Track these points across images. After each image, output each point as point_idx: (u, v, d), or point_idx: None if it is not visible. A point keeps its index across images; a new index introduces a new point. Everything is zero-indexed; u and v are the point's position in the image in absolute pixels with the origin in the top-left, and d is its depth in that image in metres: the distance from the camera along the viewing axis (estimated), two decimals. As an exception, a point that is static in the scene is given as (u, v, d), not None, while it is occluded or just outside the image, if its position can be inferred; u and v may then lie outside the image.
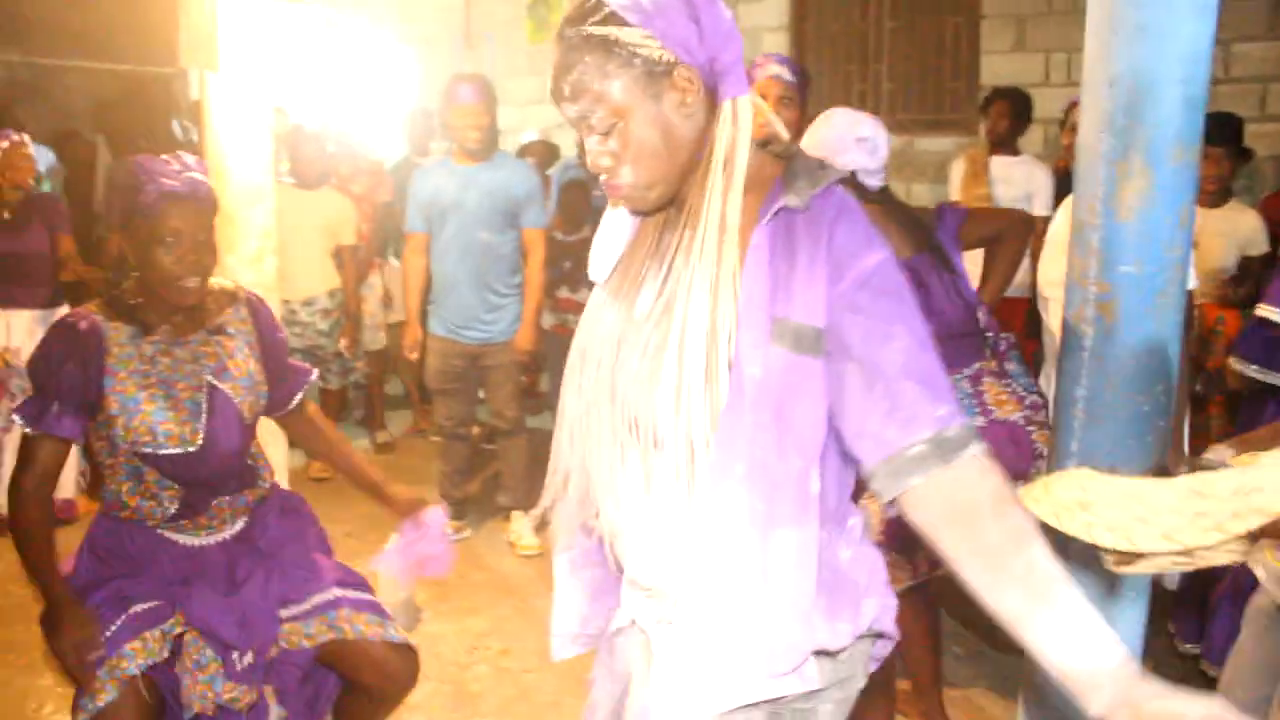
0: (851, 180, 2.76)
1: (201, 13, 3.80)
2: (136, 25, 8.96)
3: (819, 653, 1.43)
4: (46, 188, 6.02)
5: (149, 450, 2.14)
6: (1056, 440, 2.47)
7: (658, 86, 1.36)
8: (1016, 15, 6.41)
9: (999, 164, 5.15)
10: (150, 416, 2.13)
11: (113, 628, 2.14)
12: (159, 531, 2.24)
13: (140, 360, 2.17)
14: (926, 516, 1.29)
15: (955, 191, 5.27)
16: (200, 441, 2.17)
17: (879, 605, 1.50)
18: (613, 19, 1.34)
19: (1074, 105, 3.24)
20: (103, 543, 2.26)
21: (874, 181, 2.80)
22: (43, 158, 6.69)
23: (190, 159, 2.20)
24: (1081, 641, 1.18)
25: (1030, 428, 2.78)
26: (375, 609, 2.42)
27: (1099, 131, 2.27)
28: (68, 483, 4.57)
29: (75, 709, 2.12)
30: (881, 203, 2.80)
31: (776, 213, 1.37)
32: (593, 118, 1.38)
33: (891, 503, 1.33)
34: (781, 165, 1.42)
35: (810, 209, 1.36)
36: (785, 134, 1.51)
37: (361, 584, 2.47)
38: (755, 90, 3.44)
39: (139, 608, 2.16)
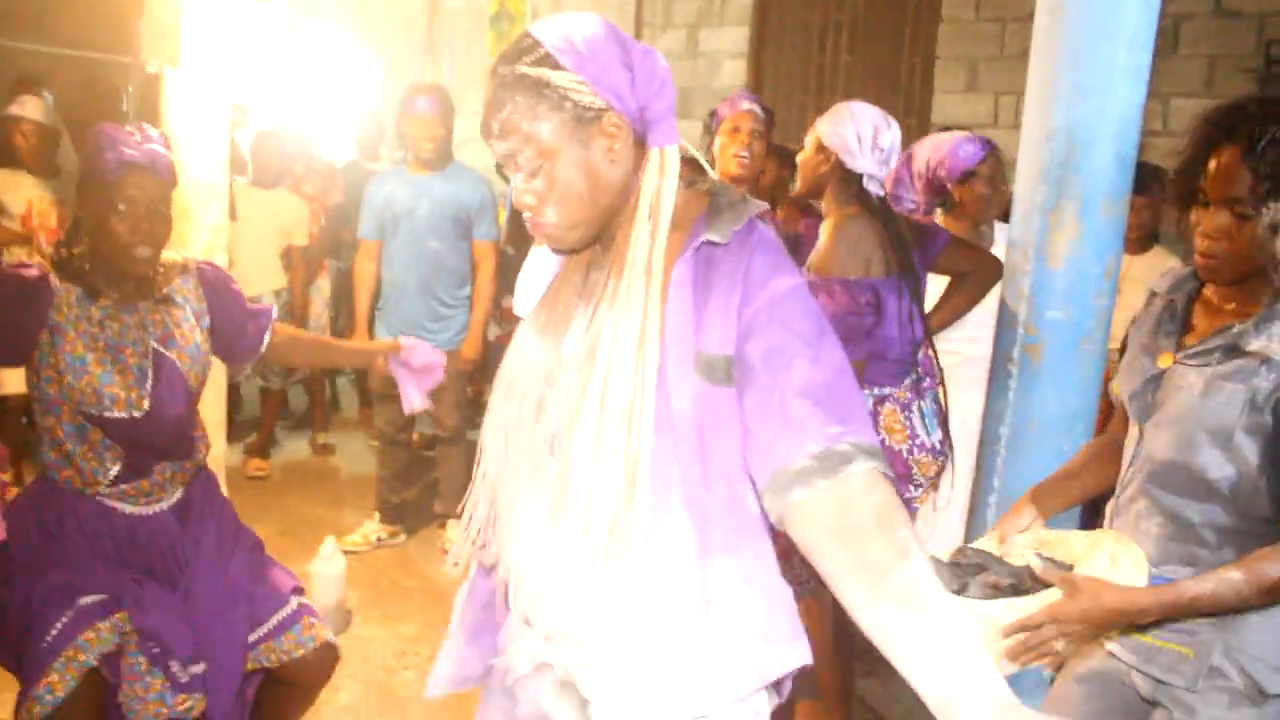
0: (856, 181, 2.81)
1: (165, 7, 3.80)
2: (92, 12, 8.91)
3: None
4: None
5: (94, 412, 2.15)
6: (979, 477, 2.56)
7: (586, 131, 1.37)
8: (969, 57, 6.57)
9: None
10: (97, 379, 2.14)
11: (63, 620, 2.14)
12: (100, 499, 2.24)
13: (89, 323, 2.18)
14: (808, 532, 1.24)
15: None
16: (146, 407, 2.18)
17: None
18: (547, 60, 1.36)
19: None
20: (46, 511, 2.25)
21: (876, 189, 2.81)
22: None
23: (155, 132, 2.22)
24: (955, 666, 1.11)
25: (911, 455, 2.82)
26: (315, 611, 2.46)
27: (1035, 182, 2.37)
28: None
29: (28, 701, 2.09)
30: (875, 213, 2.80)
31: (698, 248, 1.38)
32: (519, 157, 1.39)
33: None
34: (705, 201, 1.44)
35: (730, 243, 1.37)
36: (713, 173, 1.54)
37: (300, 586, 2.50)
38: (730, 123, 3.57)
39: (87, 600, 2.16)
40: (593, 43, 1.36)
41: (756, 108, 3.60)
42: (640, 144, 1.41)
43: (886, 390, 2.84)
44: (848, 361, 1.33)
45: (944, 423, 2.90)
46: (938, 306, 3.13)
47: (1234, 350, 1.67)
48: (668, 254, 1.38)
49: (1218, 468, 1.67)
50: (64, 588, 2.15)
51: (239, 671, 2.33)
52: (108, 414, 2.16)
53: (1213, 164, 1.66)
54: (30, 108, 4.90)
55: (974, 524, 2.55)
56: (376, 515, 4.65)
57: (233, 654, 2.31)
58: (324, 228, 5.78)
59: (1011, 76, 6.35)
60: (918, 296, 2.83)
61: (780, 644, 1.43)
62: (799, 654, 1.43)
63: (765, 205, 1.44)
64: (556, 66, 1.35)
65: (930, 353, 2.94)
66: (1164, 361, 1.77)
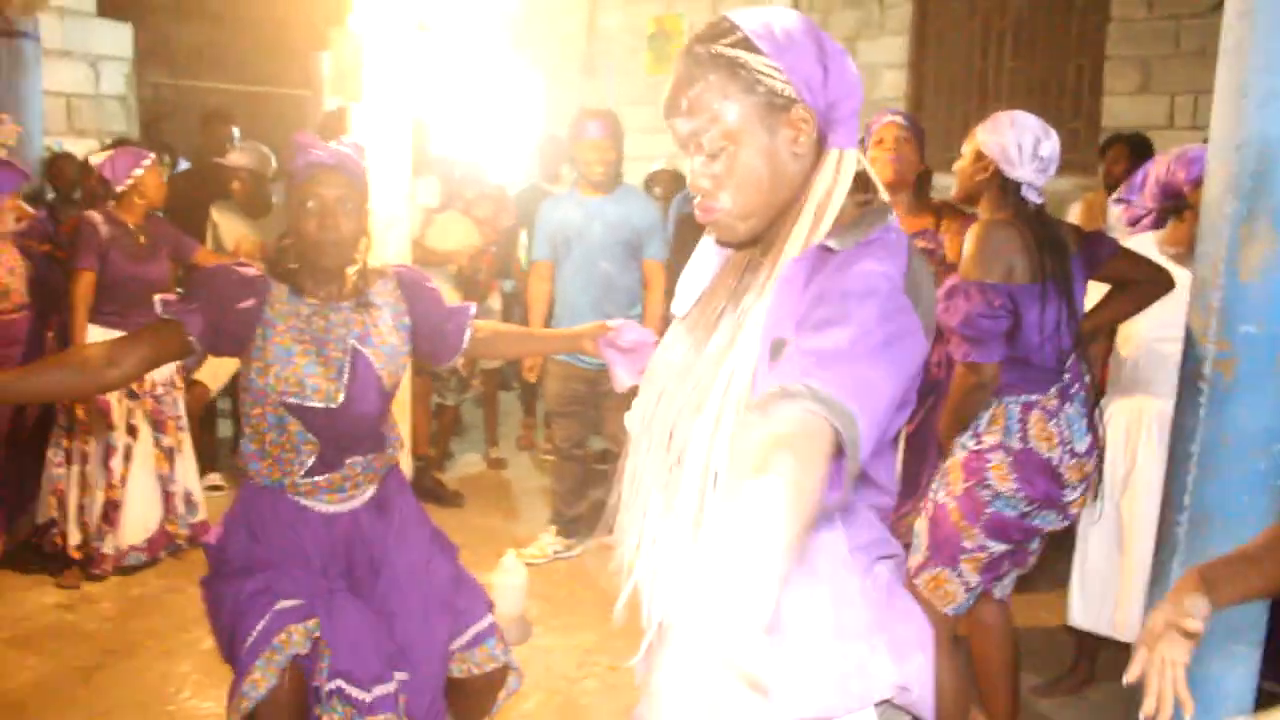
0: (1014, 190, 2.83)
1: (347, 48, 4.04)
2: (271, 50, 9.45)
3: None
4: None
5: (295, 401, 2.32)
6: (1167, 495, 2.50)
7: (774, 120, 1.37)
8: (1141, 57, 6.37)
9: (1117, 210, 5.13)
10: (300, 370, 2.31)
11: (262, 623, 2.31)
12: (297, 499, 2.41)
13: (297, 319, 2.35)
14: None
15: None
16: (341, 399, 2.33)
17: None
18: (744, 43, 1.36)
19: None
20: (253, 514, 2.43)
21: (1034, 197, 2.83)
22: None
23: (348, 139, 2.38)
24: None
25: (1062, 462, 2.82)
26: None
27: (1225, 193, 2.32)
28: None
29: (236, 697, 2.29)
30: (1028, 221, 2.81)
31: (815, 250, 1.36)
32: (704, 136, 1.39)
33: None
34: (857, 214, 1.40)
35: (847, 250, 1.34)
36: (884, 193, 1.49)
37: (491, 601, 2.63)
38: (875, 135, 3.61)
39: (283, 605, 2.33)
40: (791, 33, 1.38)
41: (900, 119, 3.73)
42: (821, 142, 1.41)
43: (1033, 397, 2.85)
44: (887, 342, 1.22)
45: (1093, 428, 2.89)
46: (1100, 307, 3.10)
47: None
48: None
49: None
50: (264, 592, 2.32)
51: (440, 680, 2.46)
52: (307, 403, 2.32)
53: None
54: (243, 157, 5.35)
55: (1162, 543, 2.49)
56: (553, 528, 4.80)
57: (434, 663, 2.44)
58: (495, 250, 5.99)
59: (1189, 73, 6.14)
60: (1070, 305, 2.81)
61: (858, 641, 1.35)
62: (883, 662, 1.35)
63: (891, 221, 1.39)
64: (754, 50, 1.36)
65: (1080, 359, 2.92)
66: None
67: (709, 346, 1.42)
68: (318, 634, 2.35)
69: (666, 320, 4.74)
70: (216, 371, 5.16)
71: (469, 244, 5.58)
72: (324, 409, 2.33)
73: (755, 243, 1.47)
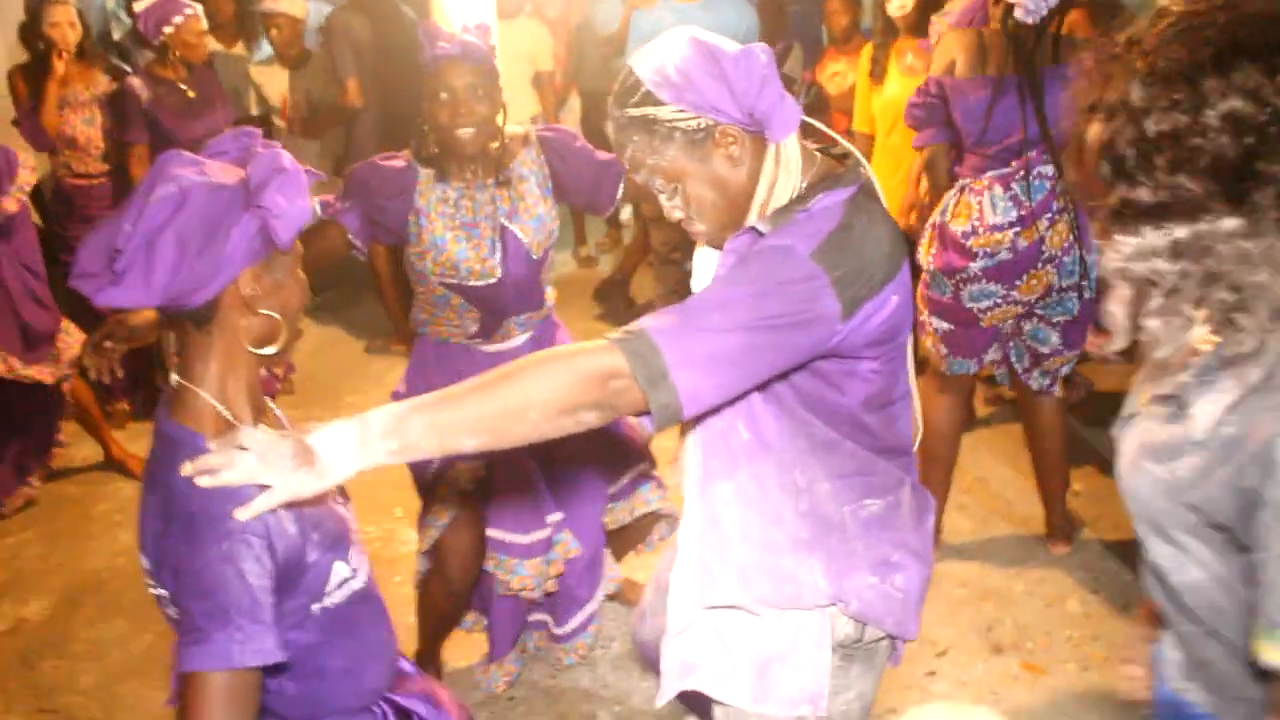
0: (1006, 9, 2.85)
1: None
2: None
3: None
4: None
5: (454, 282, 2.46)
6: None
7: (703, 150, 1.50)
8: None
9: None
10: (454, 254, 2.43)
11: (437, 460, 2.52)
12: (464, 344, 2.58)
13: (445, 204, 2.45)
14: None
15: None
16: (498, 275, 2.46)
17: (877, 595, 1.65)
18: (648, 99, 1.48)
19: None
20: (428, 364, 2.62)
21: (1022, 16, 2.84)
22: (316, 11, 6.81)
23: (474, 25, 2.39)
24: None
25: (973, 232, 3.03)
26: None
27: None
28: None
29: (424, 527, 2.58)
30: (1007, 32, 2.89)
31: (744, 232, 1.51)
32: (654, 183, 1.55)
33: None
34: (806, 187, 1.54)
35: (771, 230, 1.48)
36: (844, 142, 1.62)
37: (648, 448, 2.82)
38: None
39: None
40: (683, 68, 1.46)
41: None
42: (759, 139, 1.52)
43: (966, 181, 3.08)
44: (750, 302, 1.39)
45: (1023, 207, 3.00)
46: None
47: None
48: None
49: None
50: None
51: (597, 521, 2.67)
52: (465, 283, 2.45)
53: None
54: (280, 3, 5.03)
55: None
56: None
57: (591, 504, 2.66)
58: (568, 49, 5.90)
59: None
60: (1035, 104, 2.89)
61: (786, 555, 1.61)
62: (813, 577, 1.61)
63: (839, 189, 1.51)
64: (658, 102, 1.48)
65: (1048, 155, 2.99)
66: None
67: None
68: (482, 473, 2.55)
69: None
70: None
71: (542, 47, 5.50)
72: (481, 285, 2.44)
73: None
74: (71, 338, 4.04)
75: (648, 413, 1.37)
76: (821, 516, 1.60)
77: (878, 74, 4.24)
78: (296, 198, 1.33)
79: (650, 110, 1.49)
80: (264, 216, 1.30)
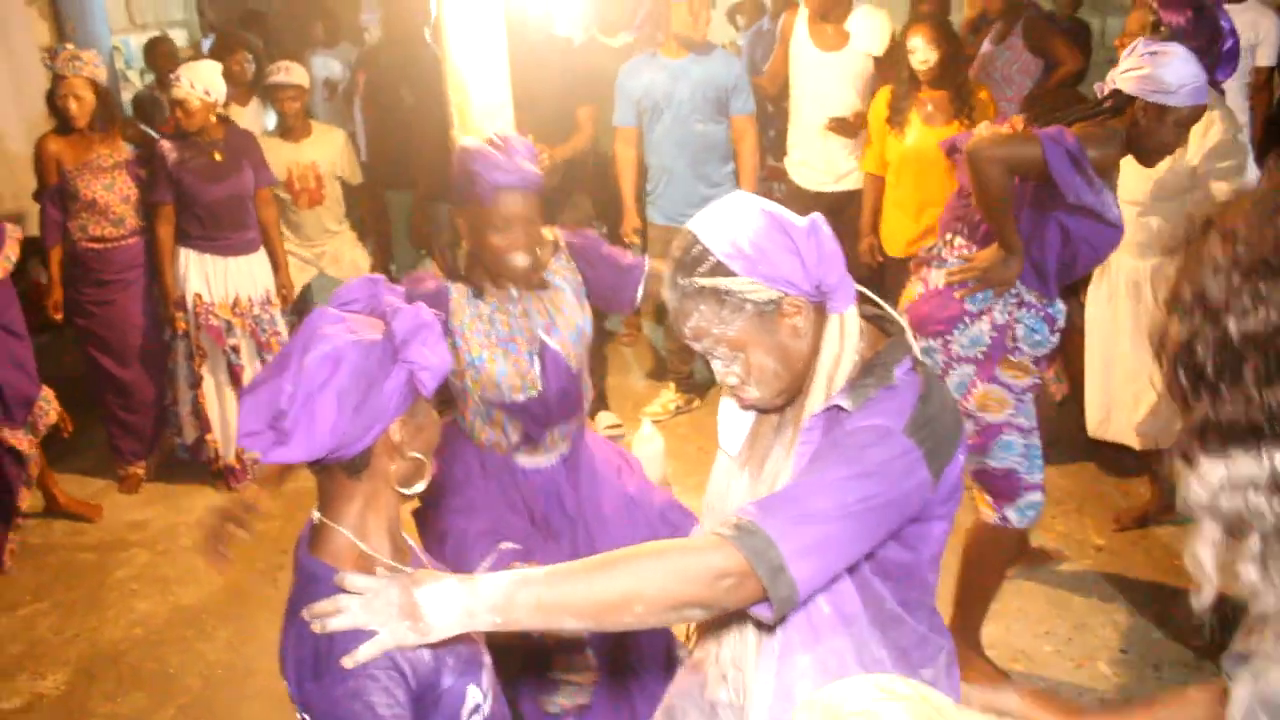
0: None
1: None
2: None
3: None
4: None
5: (495, 399, 2.44)
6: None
7: (770, 321, 1.50)
8: None
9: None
10: (493, 372, 2.41)
11: (488, 561, 2.49)
12: (508, 458, 2.55)
13: (479, 320, 2.43)
14: None
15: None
16: (539, 388, 2.44)
17: None
18: (719, 269, 1.47)
19: None
20: (473, 470, 2.57)
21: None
22: (324, 67, 6.76)
23: (519, 143, 2.36)
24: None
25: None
26: None
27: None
28: None
29: None
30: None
31: (829, 409, 1.51)
32: (716, 351, 1.54)
33: None
34: (870, 355, 1.54)
35: (856, 408, 1.47)
36: (895, 315, 1.62)
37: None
38: None
39: (505, 546, 2.50)
40: (758, 242, 1.47)
41: None
42: (821, 310, 1.53)
43: None
44: (855, 486, 1.39)
45: None
46: None
47: None
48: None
49: None
50: (488, 534, 2.46)
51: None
52: (506, 399, 2.43)
53: None
54: (288, 75, 4.99)
55: None
56: (671, 384, 4.95)
57: None
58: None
59: None
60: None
61: None
62: None
63: (903, 364, 1.51)
64: (729, 273, 1.47)
65: None
66: None
67: (763, 477, 1.61)
68: None
69: (758, 176, 4.75)
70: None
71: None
72: (522, 400, 2.43)
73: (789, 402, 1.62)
74: (49, 405, 4.09)
75: (756, 604, 1.39)
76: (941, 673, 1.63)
77: (898, 121, 4.27)
78: (438, 349, 1.40)
79: (722, 282, 1.48)
80: (411, 369, 1.38)
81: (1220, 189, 3.33)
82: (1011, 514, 2.99)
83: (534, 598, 1.32)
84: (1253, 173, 3.39)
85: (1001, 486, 2.97)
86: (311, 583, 1.41)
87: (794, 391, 1.58)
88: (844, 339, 1.53)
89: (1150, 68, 2.70)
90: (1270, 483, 0.86)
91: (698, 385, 5.05)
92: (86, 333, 4.55)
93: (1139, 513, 3.89)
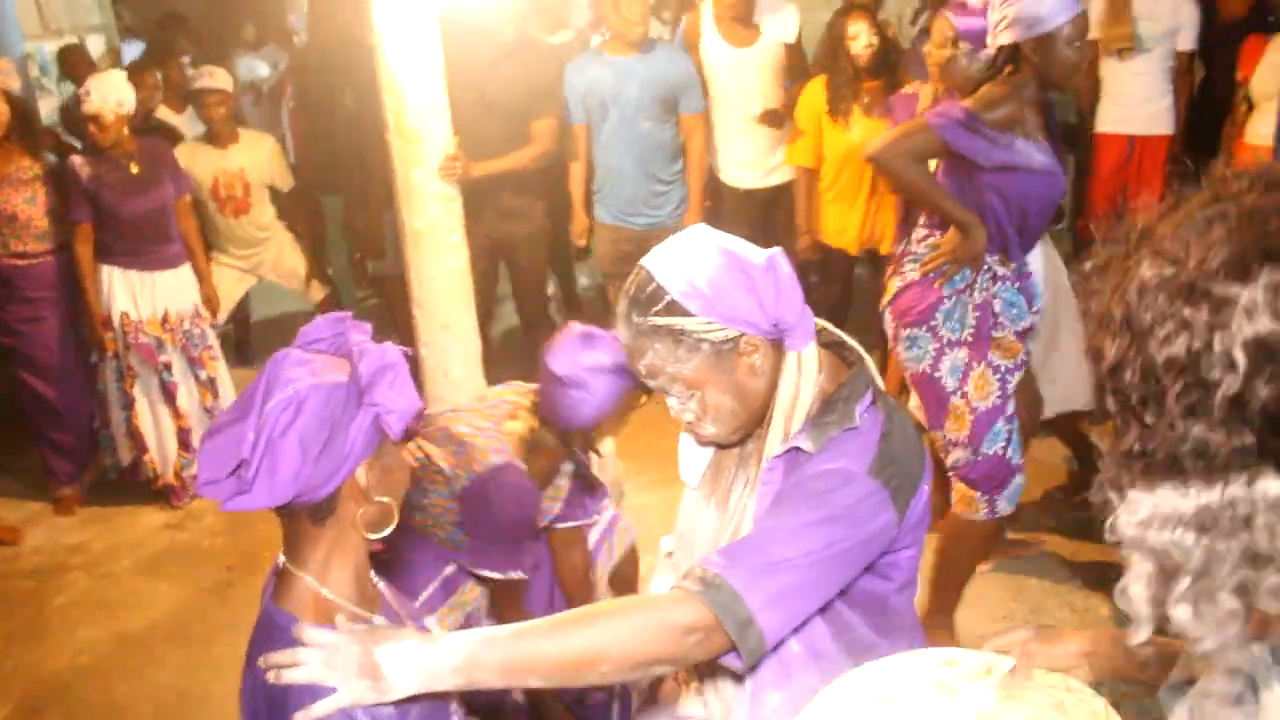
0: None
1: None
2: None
3: None
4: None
5: None
6: None
7: (727, 360, 1.47)
8: None
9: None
10: None
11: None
12: None
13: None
14: None
15: (1093, 29, 5.15)
16: None
17: None
18: (675, 309, 1.44)
19: None
20: None
21: None
22: (250, 70, 6.61)
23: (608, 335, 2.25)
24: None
25: None
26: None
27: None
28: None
29: None
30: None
31: (788, 452, 1.50)
32: (671, 390, 1.51)
33: None
34: (831, 388, 1.53)
35: (818, 450, 1.47)
36: (855, 346, 1.61)
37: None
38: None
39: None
40: (715, 280, 1.44)
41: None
42: (778, 347, 1.51)
43: None
44: (819, 532, 1.39)
45: None
46: None
47: None
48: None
49: None
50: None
51: None
52: None
53: None
54: (213, 79, 4.87)
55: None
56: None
57: None
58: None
59: None
60: None
61: None
62: None
63: (864, 402, 1.49)
64: (685, 313, 1.44)
65: None
66: None
67: (729, 510, 1.60)
68: None
69: (707, 177, 4.73)
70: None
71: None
72: None
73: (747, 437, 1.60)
74: None
75: (725, 654, 1.38)
76: None
77: (842, 111, 4.26)
78: (405, 391, 1.37)
79: (677, 321, 1.45)
80: (377, 412, 1.34)
81: None
82: (1001, 503, 3.03)
83: (499, 658, 1.29)
84: None
85: (993, 475, 3.00)
86: (272, 630, 1.37)
87: (752, 427, 1.56)
88: (801, 377, 1.51)
89: (1012, 11, 2.74)
90: (1195, 521, 0.79)
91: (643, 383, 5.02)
92: (13, 352, 4.38)
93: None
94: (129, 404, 4.42)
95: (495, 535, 2.30)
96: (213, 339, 4.61)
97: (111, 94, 4.14)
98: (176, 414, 4.46)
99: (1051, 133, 2.87)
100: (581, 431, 2.28)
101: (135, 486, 4.57)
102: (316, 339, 1.39)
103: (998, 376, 2.92)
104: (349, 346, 1.38)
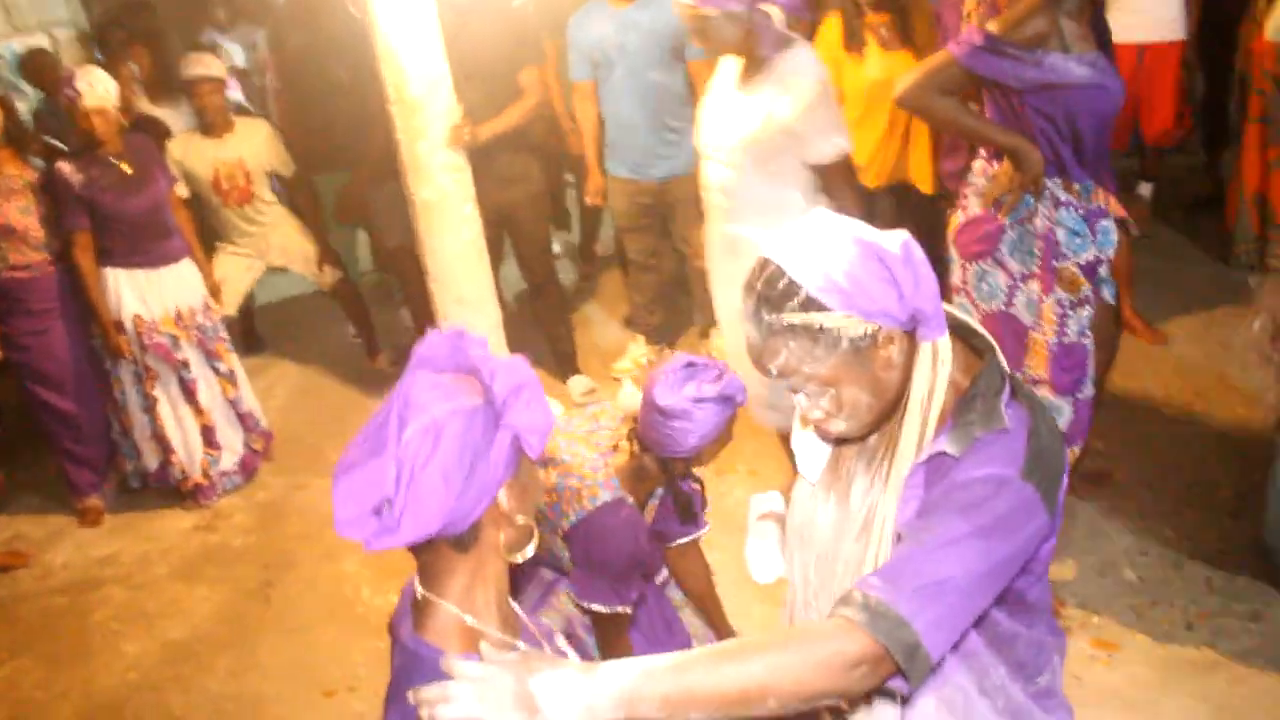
0: None
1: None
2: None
3: None
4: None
5: None
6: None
7: (865, 355, 1.39)
8: None
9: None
10: None
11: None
12: None
13: None
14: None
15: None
16: None
17: None
18: (812, 304, 1.36)
19: None
20: None
21: None
22: (231, 54, 6.37)
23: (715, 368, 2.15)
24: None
25: None
26: None
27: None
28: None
29: None
30: None
31: (932, 457, 1.42)
32: (804, 389, 1.44)
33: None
34: (964, 389, 1.45)
35: (964, 453, 1.39)
36: (988, 336, 1.51)
37: None
38: None
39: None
40: (853, 273, 1.35)
41: None
42: (912, 336, 1.43)
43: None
44: (977, 543, 1.33)
45: None
46: None
47: None
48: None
49: None
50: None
51: None
52: None
53: None
54: (200, 67, 4.61)
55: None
56: (640, 338, 4.83)
57: None
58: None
59: None
60: None
61: None
62: None
63: (1004, 397, 1.42)
64: (823, 308, 1.36)
65: None
66: None
67: (851, 506, 1.54)
68: None
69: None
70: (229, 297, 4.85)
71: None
72: None
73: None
74: None
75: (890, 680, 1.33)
76: (1015, 709, 1.57)
77: (856, 44, 4.10)
78: (542, 408, 1.31)
79: (815, 318, 1.37)
80: (515, 432, 1.28)
81: None
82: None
83: (660, 692, 1.22)
84: None
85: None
86: (418, 664, 1.30)
87: (882, 422, 1.49)
88: (937, 367, 1.43)
89: None
90: None
91: (667, 334, 4.93)
92: (23, 367, 4.24)
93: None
94: (150, 406, 4.30)
95: (605, 571, 2.23)
96: (224, 330, 4.50)
97: (103, 85, 3.96)
98: (198, 411, 4.36)
99: (1101, 42, 2.73)
100: (682, 459, 2.20)
101: (157, 492, 4.47)
102: (434, 358, 1.31)
103: (1058, 313, 2.81)
104: (471, 363, 1.30)
